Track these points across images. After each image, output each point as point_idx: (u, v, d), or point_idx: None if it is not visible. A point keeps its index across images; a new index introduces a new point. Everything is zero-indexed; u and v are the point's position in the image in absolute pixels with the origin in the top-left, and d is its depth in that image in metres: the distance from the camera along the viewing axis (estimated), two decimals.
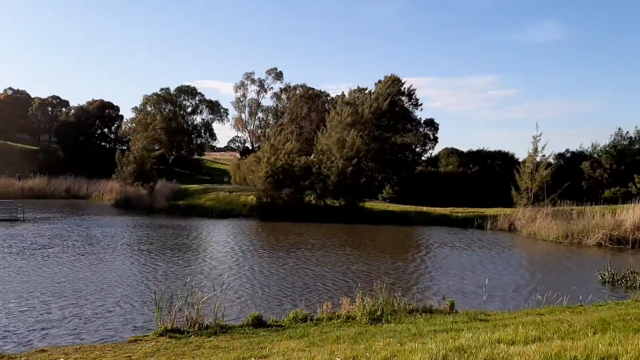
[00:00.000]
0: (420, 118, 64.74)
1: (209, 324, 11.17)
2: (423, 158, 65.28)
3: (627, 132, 53.98)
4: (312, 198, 43.57)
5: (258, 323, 11.41)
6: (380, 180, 51.89)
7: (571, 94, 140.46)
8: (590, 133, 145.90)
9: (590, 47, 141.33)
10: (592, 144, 56.18)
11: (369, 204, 44.00)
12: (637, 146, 52.69)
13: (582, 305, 12.37)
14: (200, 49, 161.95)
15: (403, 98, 55.96)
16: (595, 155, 53.09)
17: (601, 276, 18.28)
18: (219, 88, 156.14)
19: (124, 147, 68.24)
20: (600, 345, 6.04)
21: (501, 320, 10.21)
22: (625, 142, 53.32)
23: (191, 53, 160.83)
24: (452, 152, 59.71)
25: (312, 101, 69.42)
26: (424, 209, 42.19)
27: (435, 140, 69.38)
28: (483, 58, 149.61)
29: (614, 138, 54.01)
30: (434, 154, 66.57)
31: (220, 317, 11.48)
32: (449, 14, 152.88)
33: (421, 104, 59.00)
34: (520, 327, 8.37)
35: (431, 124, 68.84)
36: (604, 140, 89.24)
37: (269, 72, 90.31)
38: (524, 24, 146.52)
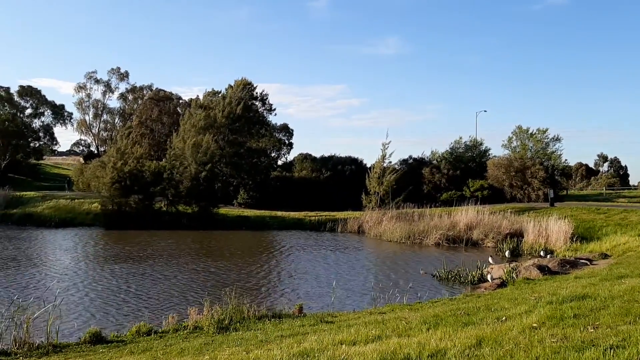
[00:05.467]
0: (276, 123, 65.42)
1: (40, 343, 10.08)
2: (278, 163, 65.95)
3: (465, 141, 59.32)
4: (163, 204, 41.87)
5: (97, 339, 10.51)
6: (235, 185, 51.45)
7: (412, 104, 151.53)
8: (431, 140, 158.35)
9: (428, 62, 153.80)
10: (432, 151, 60.80)
11: (223, 210, 43.33)
12: (469, 154, 58.01)
13: (420, 302, 13.11)
14: (35, 44, 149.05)
15: (257, 103, 56.07)
16: (435, 162, 57.45)
17: (438, 273, 19.66)
18: (59, 87, 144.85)
19: None
20: (432, 341, 6.31)
21: (346, 321, 10.43)
22: (461, 150, 58.47)
23: (25, 49, 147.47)
24: (306, 157, 60.93)
25: (164, 103, 66.92)
26: (279, 213, 42.55)
27: (290, 145, 70.58)
28: (333, 68, 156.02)
29: (453, 146, 59.02)
30: (289, 159, 67.59)
31: (54, 335, 10.43)
32: (300, 23, 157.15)
33: (275, 109, 59.58)
34: (362, 327, 8.57)
35: (286, 129, 69.85)
36: (442, 147, 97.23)
37: (112, 71, 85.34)
38: (370, 38, 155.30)
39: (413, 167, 56.09)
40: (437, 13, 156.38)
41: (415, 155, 60.65)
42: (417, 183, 50.76)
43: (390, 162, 44.24)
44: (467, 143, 59.26)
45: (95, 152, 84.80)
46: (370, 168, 45.20)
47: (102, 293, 17.04)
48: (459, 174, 53.10)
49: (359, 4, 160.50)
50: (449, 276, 19.13)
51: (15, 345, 9.81)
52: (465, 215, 32.21)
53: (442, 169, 54.35)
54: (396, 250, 28.75)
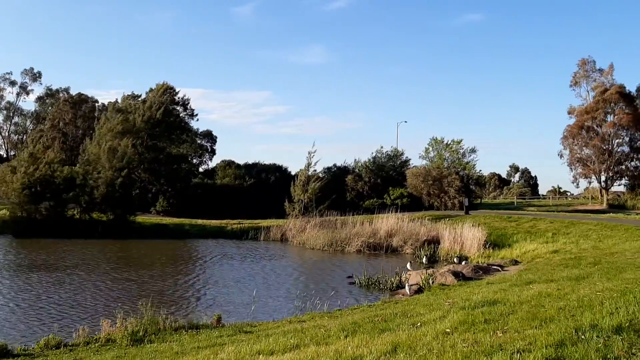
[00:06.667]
0: (198, 129, 64.22)
1: None
2: (200, 170, 64.77)
3: (386, 150, 60.78)
4: (76, 212, 39.93)
5: (2, 353, 9.94)
6: (154, 192, 49.97)
7: (337, 113, 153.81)
8: (354, 149, 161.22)
9: (351, 71, 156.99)
10: (355, 160, 61.81)
11: (140, 218, 41.91)
12: (390, 163, 59.48)
13: (340, 310, 13.17)
14: None
15: (178, 108, 54.83)
16: (358, 170, 58.44)
17: (358, 281, 19.88)
18: None
19: None
20: (349, 348, 6.33)
21: (265, 330, 10.31)
22: (383, 159, 59.85)
23: None
24: (229, 164, 60.23)
25: (79, 106, 64.03)
26: (199, 221, 41.72)
27: (213, 152, 69.57)
28: (258, 75, 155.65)
29: (375, 155, 60.31)
30: (211, 165, 66.56)
31: None
32: (225, 29, 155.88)
33: (197, 115, 58.41)
34: (281, 336, 8.50)
35: (209, 135, 68.79)
36: (365, 155, 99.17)
37: (25, 72, 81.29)
38: (295, 46, 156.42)
39: (337, 175, 56.76)
40: (361, 25, 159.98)
41: (339, 164, 61.51)
42: (341, 191, 51.44)
43: (315, 170, 44.63)
44: (389, 152, 60.79)
45: (5, 156, 79.92)
46: (295, 176, 45.31)
47: (11, 304, 16.05)
48: (380, 182, 54.29)
49: (284, 12, 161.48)
50: (369, 283, 19.38)
51: None
52: (385, 222, 32.90)
53: (364, 177, 55.35)
54: (319, 258, 28.86)
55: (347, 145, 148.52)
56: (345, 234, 32.38)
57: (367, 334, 7.46)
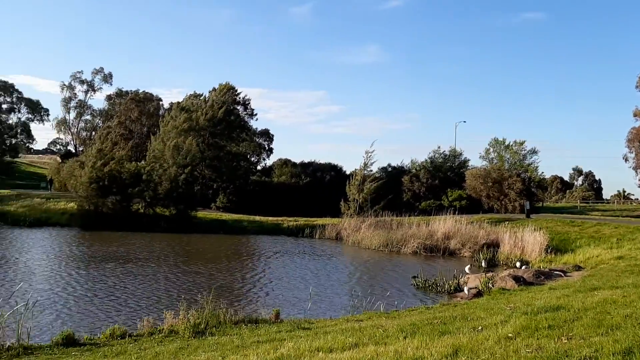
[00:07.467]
0: (256, 128, 65.29)
1: (11, 345, 9.84)
2: (258, 168, 65.84)
3: (444, 151, 59.86)
4: (140, 206, 41.42)
5: (70, 342, 10.29)
6: (215, 188, 51.19)
7: (391, 113, 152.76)
8: (409, 149, 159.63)
9: (406, 71, 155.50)
10: (412, 160, 61.22)
11: (201, 213, 43.04)
12: (448, 163, 58.55)
13: (397, 311, 13.13)
14: (9, 40, 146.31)
15: (238, 107, 56.00)
16: (414, 170, 57.86)
17: (415, 282, 19.75)
18: (35, 85, 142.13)
19: None
20: (409, 349, 6.33)
21: (323, 328, 10.42)
22: (440, 160, 59.00)
23: None
24: (285, 163, 60.88)
25: (144, 104, 66.35)
26: (257, 218, 42.43)
27: (270, 150, 70.54)
28: (313, 74, 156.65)
29: (433, 155, 59.52)
30: (268, 164, 67.51)
31: (25, 337, 10.18)
32: (282, 28, 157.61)
33: (256, 114, 59.49)
34: (339, 334, 8.56)
35: (266, 134, 69.77)
36: (419, 156, 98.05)
37: (95, 72, 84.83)
38: (350, 45, 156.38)
39: (392, 175, 56.36)
40: (416, 24, 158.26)
41: (393, 164, 61.08)
42: (397, 191, 51.06)
43: (371, 170, 44.59)
44: (447, 153, 59.86)
45: (74, 151, 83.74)
46: (350, 175, 45.37)
47: (78, 294, 16.76)
48: (437, 183, 53.52)
49: (340, 12, 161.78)
50: (426, 285, 19.21)
51: None
52: (443, 224, 32.43)
53: (421, 178, 54.71)
54: (374, 258, 28.80)
55: (402, 144, 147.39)
56: (401, 234, 32.10)
57: (427, 335, 7.42)
